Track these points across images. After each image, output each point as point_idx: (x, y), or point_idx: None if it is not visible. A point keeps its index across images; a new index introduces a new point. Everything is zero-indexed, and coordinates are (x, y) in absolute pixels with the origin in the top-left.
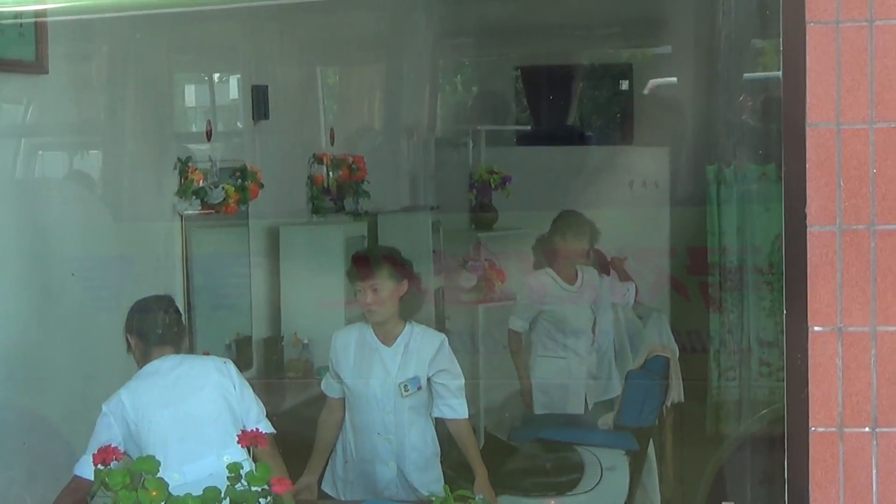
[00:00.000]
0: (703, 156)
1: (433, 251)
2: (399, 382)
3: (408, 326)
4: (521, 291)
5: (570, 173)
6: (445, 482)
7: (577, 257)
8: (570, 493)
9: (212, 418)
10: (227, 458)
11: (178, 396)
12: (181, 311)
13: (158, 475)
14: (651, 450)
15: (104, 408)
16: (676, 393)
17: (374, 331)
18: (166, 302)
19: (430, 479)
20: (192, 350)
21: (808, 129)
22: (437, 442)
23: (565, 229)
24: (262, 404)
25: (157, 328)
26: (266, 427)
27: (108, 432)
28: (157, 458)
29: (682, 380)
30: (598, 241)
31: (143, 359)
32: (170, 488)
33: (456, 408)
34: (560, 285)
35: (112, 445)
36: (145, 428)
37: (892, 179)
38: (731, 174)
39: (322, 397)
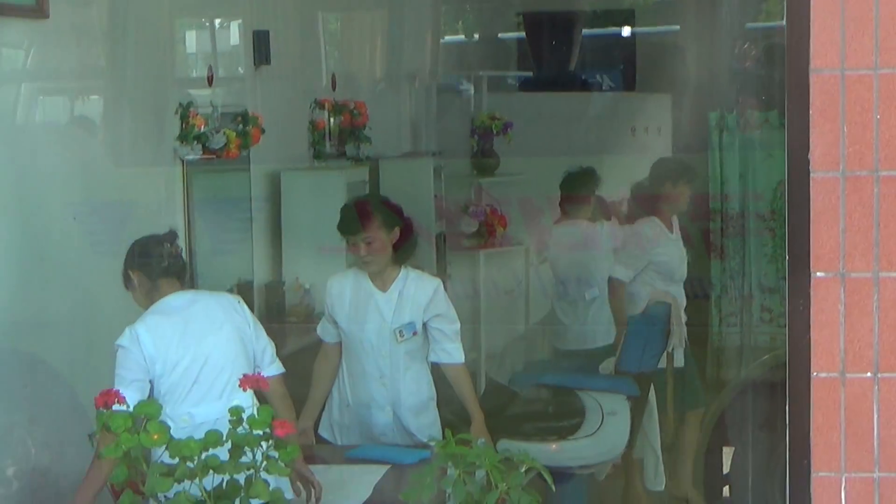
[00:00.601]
0: (706, 102)
1: (434, 197)
2: (394, 328)
3: (403, 272)
4: (630, 241)
5: (572, 120)
6: (445, 426)
7: (680, 203)
8: (570, 438)
9: (228, 360)
10: (236, 402)
11: (197, 336)
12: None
13: (164, 417)
14: (652, 394)
15: (123, 342)
16: (678, 338)
17: (369, 277)
18: (171, 236)
19: (426, 424)
20: None
21: (811, 75)
22: (433, 386)
23: (675, 176)
24: (272, 343)
25: (163, 261)
26: (277, 368)
27: (135, 364)
28: (169, 397)
29: (685, 325)
30: (600, 189)
31: (148, 295)
32: (178, 430)
33: (452, 352)
34: (666, 234)
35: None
36: (160, 365)
37: (895, 125)
38: (734, 121)
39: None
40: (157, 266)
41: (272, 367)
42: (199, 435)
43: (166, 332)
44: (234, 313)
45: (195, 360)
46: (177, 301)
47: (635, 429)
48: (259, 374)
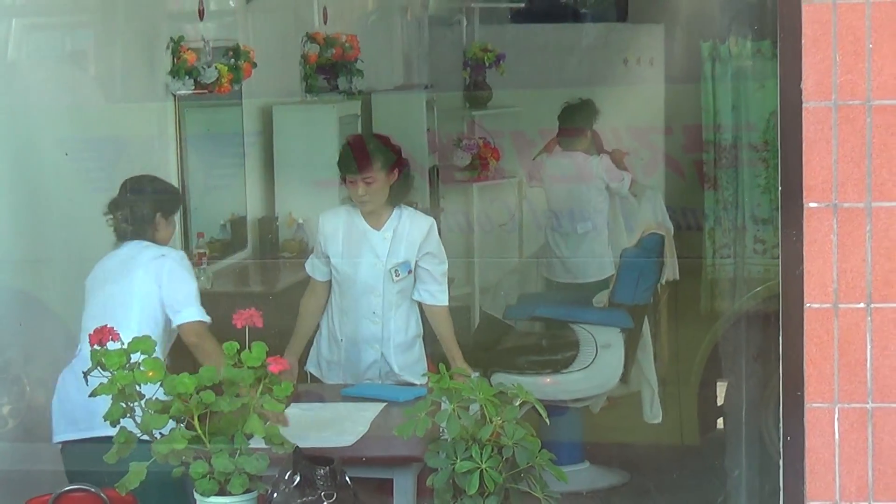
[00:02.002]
0: (698, 32)
1: (427, 130)
2: (389, 267)
3: (396, 210)
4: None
5: (565, 51)
6: (438, 360)
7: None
8: (564, 371)
9: (132, 305)
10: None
11: (113, 278)
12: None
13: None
14: (646, 327)
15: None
16: (671, 270)
17: (362, 215)
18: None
19: (411, 361)
20: (186, 230)
21: (803, 4)
22: (421, 323)
23: None
24: (195, 295)
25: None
26: (190, 315)
27: None
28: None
29: (677, 257)
30: (597, 122)
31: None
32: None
33: (436, 294)
34: None
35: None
36: (85, 301)
37: (887, 55)
38: (726, 51)
39: None
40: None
41: (182, 315)
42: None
43: (98, 271)
44: (153, 263)
45: (105, 298)
46: (124, 248)
47: (629, 361)
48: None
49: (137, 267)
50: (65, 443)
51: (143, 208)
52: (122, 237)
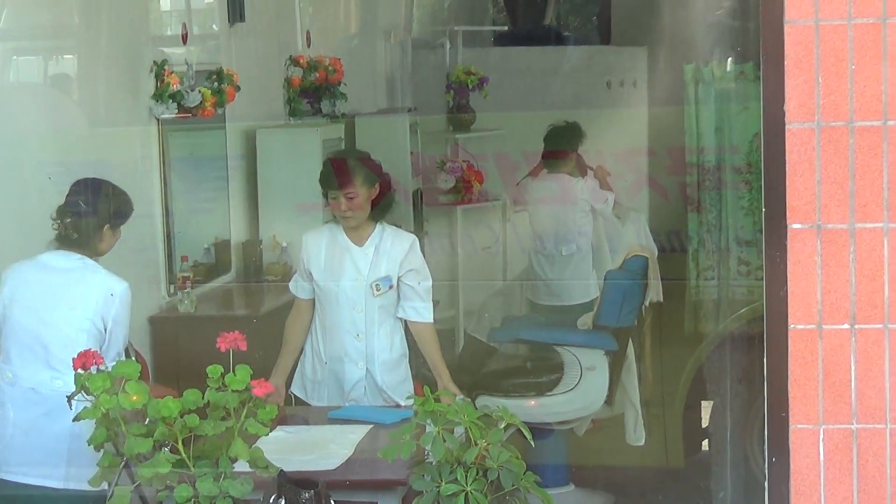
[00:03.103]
0: (681, 55)
1: (411, 153)
2: (371, 282)
3: (378, 227)
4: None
5: (548, 74)
6: (423, 381)
7: None
8: (549, 394)
9: (70, 339)
10: (59, 384)
11: (52, 298)
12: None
13: None
14: (630, 349)
15: None
16: (655, 292)
17: (345, 232)
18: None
19: (398, 380)
20: (170, 254)
21: (786, 26)
22: (406, 343)
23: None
24: (126, 337)
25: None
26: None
27: None
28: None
29: (661, 279)
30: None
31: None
32: None
33: (421, 311)
34: None
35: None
36: (8, 314)
37: (870, 76)
38: (710, 73)
39: None
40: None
41: (110, 356)
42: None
43: (29, 284)
44: (102, 299)
45: (38, 322)
46: (60, 260)
47: (614, 383)
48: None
49: (85, 296)
50: None
51: (93, 216)
52: (64, 245)
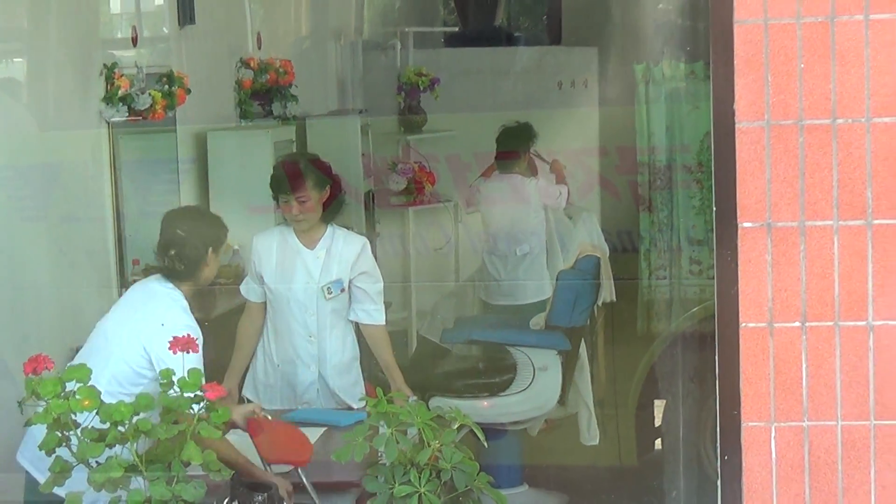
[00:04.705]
0: (632, 54)
1: (362, 155)
2: (322, 285)
3: (329, 229)
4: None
5: (499, 74)
6: (376, 384)
7: None
8: (502, 394)
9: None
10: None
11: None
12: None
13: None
14: (583, 349)
15: None
16: (608, 292)
17: (296, 234)
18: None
19: (349, 383)
20: (121, 257)
21: (735, 25)
22: (357, 345)
23: None
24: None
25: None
26: None
27: None
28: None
29: (614, 279)
30: (534, 145)
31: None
32: None
33: (372, 313)
34: None
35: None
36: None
37: (819, 74)
38: (660, 73)
39: None
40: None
41: None
42: None
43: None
44: (155, 309)
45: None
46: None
47: (567, 383)
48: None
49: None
50: None
51: (195, 244)
52: (171, 277)
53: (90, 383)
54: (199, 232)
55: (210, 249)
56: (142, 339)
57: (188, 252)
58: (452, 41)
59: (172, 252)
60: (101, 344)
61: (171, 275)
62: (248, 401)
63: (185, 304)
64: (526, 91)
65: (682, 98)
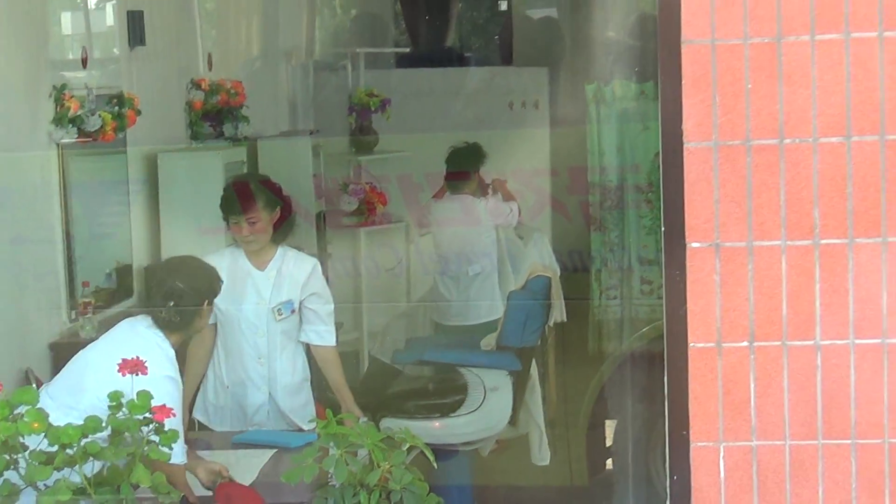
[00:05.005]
0: (583, 75)
1: (313, 175)
2: (272, 306)
3: (280, 250)
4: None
5: (450, 95)
6: (327, 405)
7: None
8: (453, 415)
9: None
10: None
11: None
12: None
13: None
14: (534, 369)
15: None
16: (559, 312)
17: (246, 256)
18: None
19: (300, 404)
20: (71, 279)
21: (683, 46)
22: (308, 367)
23: None
24: None
25: None
26: None
27: None
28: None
29: (565, 299)
30: (484, 165)
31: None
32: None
33: (323, 334)
34: None
35: None
36: None
37: (766, 95)
38: (611, 93)
39: None
40: None
41: None
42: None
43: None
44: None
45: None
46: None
47: (518, 404)
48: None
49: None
50: None
51: (191, 295)
52: (165, 328)
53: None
54: (197, 285)
55: (206, 302)
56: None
57: (186, 304)
58: (404, 62)
59: (171, 304)
60: (79, 374)
61: (165, 324)
62: (199, 423)
63: (172, 354)
64: (477, 111)
65: (633, 118)
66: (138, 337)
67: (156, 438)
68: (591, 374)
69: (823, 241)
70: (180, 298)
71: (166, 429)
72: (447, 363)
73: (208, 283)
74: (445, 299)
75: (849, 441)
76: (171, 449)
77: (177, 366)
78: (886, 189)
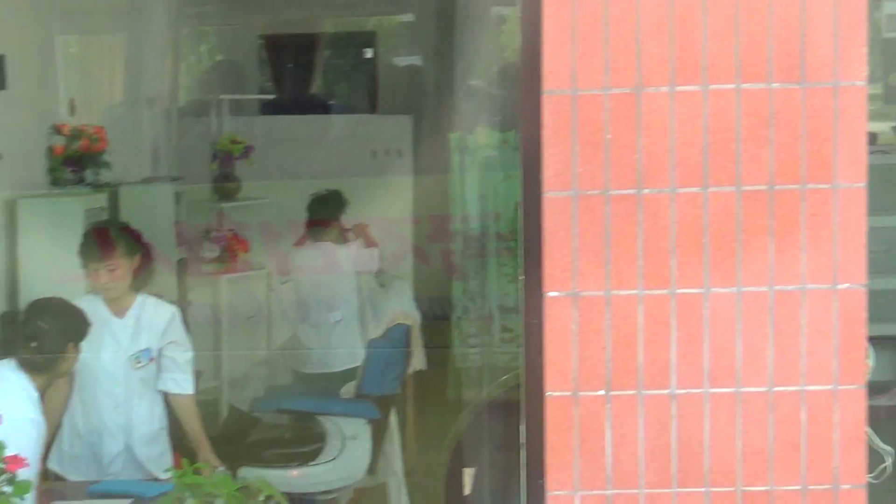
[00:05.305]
0: (447, 123)
1: (175, 222)
2: (130, 354)
3: (139, 297)
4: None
5: (314, 142)
6: (185, 454)
7: None
8: (312, 464)
9: None
10: None
11: None
12: None
13: None
14: (394, 418)
15: None
16: (419, 360)
17: (105, 303)
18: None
19: (156, 453)
20: None
21: (544, 95)
22: (166, 415)
23: None
24: None
25: None
26: None
27: None
28: None
29: (425, 347)
30: (345, 213)
31: None
32: None
33: (181, 383)
34: None
35: None
36: None
37: (625, 145)
38: (474, 141)
39: None
40: None
41: None
42: None
43: None
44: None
45: None
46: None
47: (377, 452)
48: None
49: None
50: None
51: (57, 337)
52: (27, 368)
53: None
54: (62, 326)
55: (71, 344)
56: None
57: (49, 345)
58: (268, 109)
59: (34, 344)
60: None
61: (29, 365)
62: (54, 473)
63: (36, 396)
64: (341, 159)
65: (496, 166)
66: (3, 380)
67: (8, 489)
68: (451, 422)
69: (680, 291)
70: (44, 339)
71: (19, 479)
72: (306, 411)
73: (74, 325)
74: (306, 347)
75: (703, 489)
76: (22, 499)
77: (41, 408)
78: (742, 240)
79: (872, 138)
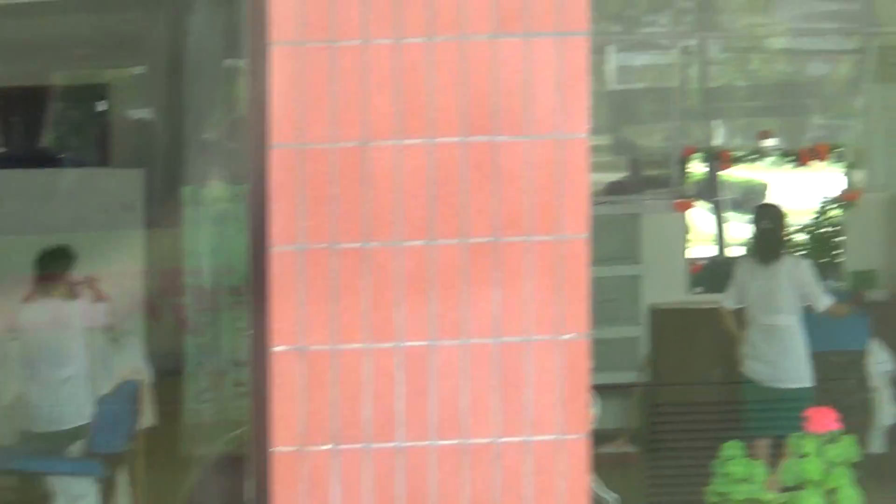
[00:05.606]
0: (180, 177)
1: None
2: None
3: None
4: None
5: (44, 196)
6: None
7: None
8: None
9: None
10: None
11: None
12: None
13: None
14: (124, 476)
15: None
16: (149, 416)
17: None
18: None
19: None
20: None
21: (271, 150)
22: None
23: None
24: None
25: None
26: None
27: None
28: None
29: (157, 402)
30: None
31: None
32: None
33: None
34: None
35: None
36: None
37: (351, 199)
38: (207, 195)
39: None
40: None
41: None
42: None
43: None
44: None
45: None
46: None
47: None
48: None
49: None
50: None
51: None
52: None
53: None
54: None
55: None
56: None
57: None
58: None
59: None
60: None
61: None
62: None
63: None
64: (72, 213)
65: (228, 220)
66: None
67: None
68: (182, 479)
69: (406, 344)
70: None
71: None
72: (33, 471)
73: None
74: (34, 405)
75: None
76: None
77: None
78: (469, 291)
79: (610, 188)
